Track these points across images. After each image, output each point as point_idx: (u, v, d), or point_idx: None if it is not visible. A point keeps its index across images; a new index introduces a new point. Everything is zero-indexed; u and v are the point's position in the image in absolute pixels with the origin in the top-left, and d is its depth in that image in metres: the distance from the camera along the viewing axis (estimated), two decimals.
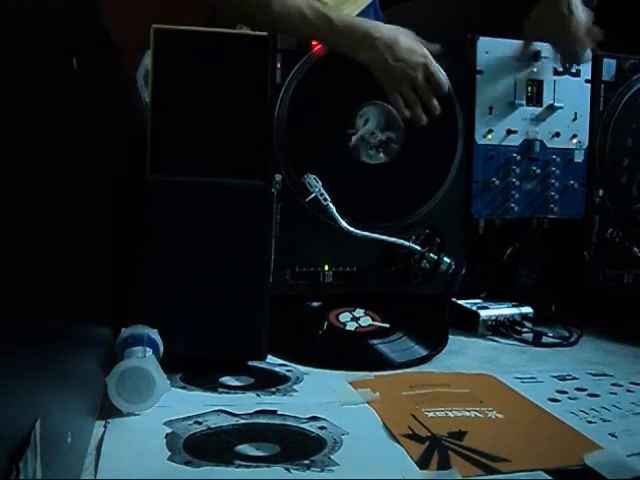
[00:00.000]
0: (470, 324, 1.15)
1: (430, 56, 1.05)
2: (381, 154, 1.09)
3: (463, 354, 1.05)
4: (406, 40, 1.03)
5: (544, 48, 1.15)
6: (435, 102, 1.06)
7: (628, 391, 0.90)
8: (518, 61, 1.15)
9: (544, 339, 1.12)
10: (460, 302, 1.19)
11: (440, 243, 1.13)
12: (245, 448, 0.68)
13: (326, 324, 1.05)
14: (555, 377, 0.95)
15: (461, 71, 1.13)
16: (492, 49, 1.14)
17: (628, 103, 1.19)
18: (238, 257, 0.90)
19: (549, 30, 1.13)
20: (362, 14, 1.32)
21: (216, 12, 1.11)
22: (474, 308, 1.16)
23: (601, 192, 1.20)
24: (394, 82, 1.04)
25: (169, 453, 0.66)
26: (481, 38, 1.14)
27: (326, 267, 1.09)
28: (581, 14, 1.11)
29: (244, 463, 0.65)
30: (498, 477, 0.65)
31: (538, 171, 1.17)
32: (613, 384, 0.93)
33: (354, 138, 1.07)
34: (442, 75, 1.06)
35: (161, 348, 0.85)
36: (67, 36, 0.57)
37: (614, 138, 1.19)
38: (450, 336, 1.09)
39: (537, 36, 1.14)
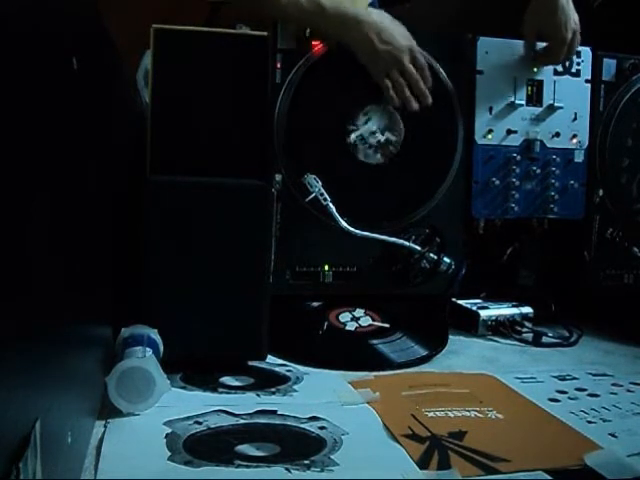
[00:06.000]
0: (470, 324, 1.15)
1: (415, 43, 1.05)
2: (378, 155, 1.09)
3: (463, 354, 1.05)
4: (393, 25, 1.04)
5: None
6: (424, 88, 1.06)
7: (628, 391, 0.90)
8: (525, 59, 1.15)
9: (544, 339, 1.12)
10: (460, 302, 1.19)
11: (440, 243, 1.13)
12: (245, 448, 0.68)
13: (326, 324, 1.05)
14: (555, 377, 0.95)
15: (461, 71, 1.13)
16: (492, 49, 1.14)
17: (628, 103, 1.19)
18: (238, 257, 0.90)
19: (543, 19, 1.12)
20: None
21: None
22: (474, 308, 1.16)
23: (601, 192, 1.20)
24: (381, 66, 1.04)
25: (169, 453, 0.66)
26: (481, 38, 1.14)
27: (326, 267, 1.09)
28: (572, 9, 1.11)
29: (244, 463, 0.65)
30: (498, 477, 0.65)
31: (538, 171, 1.17)
32: (613, 384, 0.93)
33: (353, 135, 1.07)
34: (425, 62, 1.06)
35: (161, 348, 0.85)
36: (67, 36, 0.57)
37: (614, 138, 1.19)
38: (450, 336, 1.09)
39: (534, 27, 1.13)
